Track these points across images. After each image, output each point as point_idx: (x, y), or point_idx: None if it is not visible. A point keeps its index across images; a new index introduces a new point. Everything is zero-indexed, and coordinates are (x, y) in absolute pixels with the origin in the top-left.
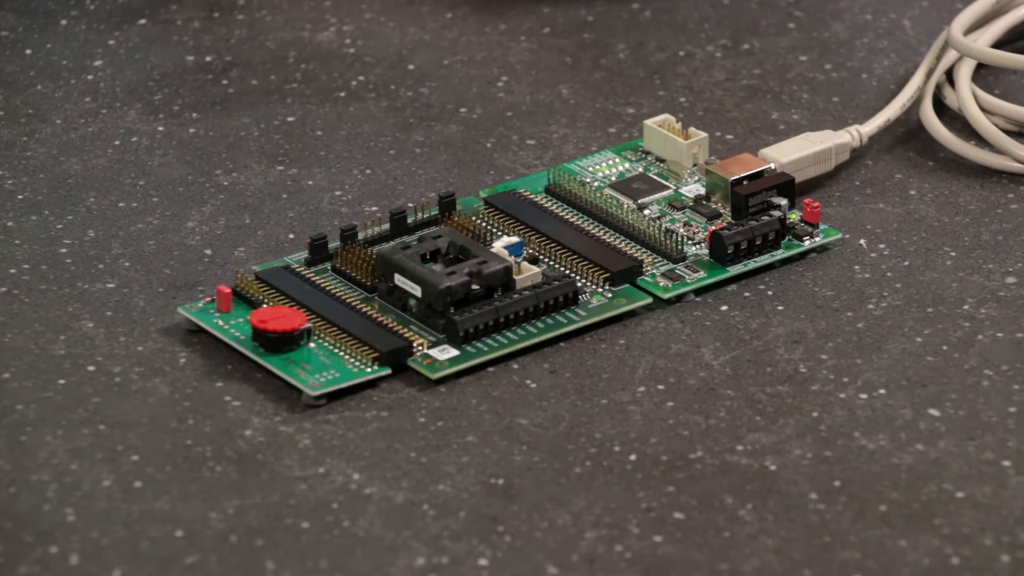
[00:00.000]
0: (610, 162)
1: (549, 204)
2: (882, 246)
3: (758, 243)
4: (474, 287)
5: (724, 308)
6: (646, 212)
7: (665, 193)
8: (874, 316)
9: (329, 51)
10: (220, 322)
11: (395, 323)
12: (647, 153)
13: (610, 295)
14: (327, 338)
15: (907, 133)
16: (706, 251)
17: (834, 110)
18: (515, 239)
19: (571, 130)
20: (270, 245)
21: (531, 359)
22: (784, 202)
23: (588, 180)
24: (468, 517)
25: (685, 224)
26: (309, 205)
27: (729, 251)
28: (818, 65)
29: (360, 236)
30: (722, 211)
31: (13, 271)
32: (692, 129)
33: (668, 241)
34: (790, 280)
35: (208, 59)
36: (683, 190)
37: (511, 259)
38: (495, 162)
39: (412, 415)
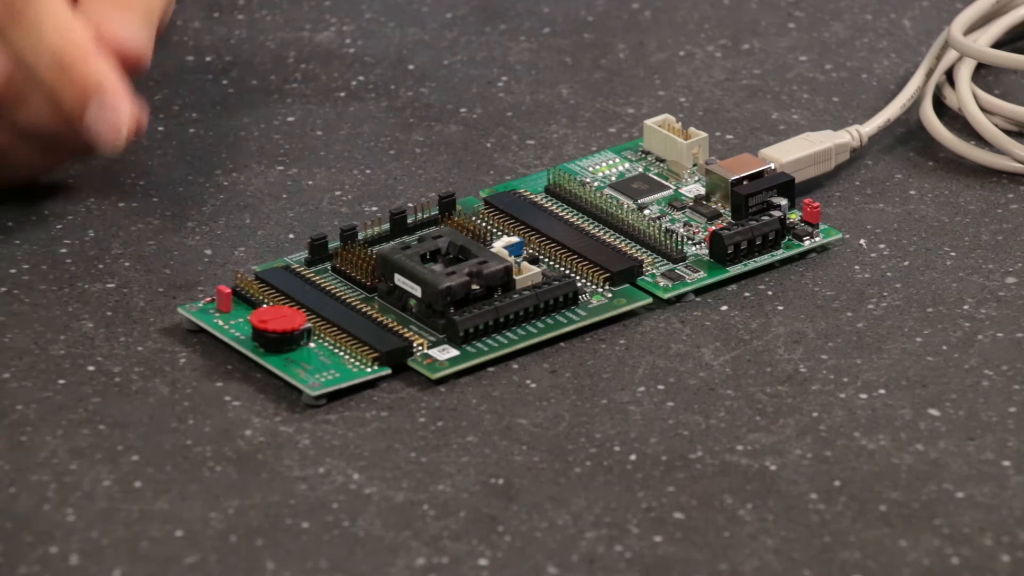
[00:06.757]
0: (610, 162)
1: (549, 204)
2: (882, 246)
3: (758, 243)
4: (474, 287)
5: (724, 308)
6: (646, 212)
7: (665, 193)
8: (874, 316)
9: (329, 51)
10: (220, 322)
11: (395, 323)
12: (647, 153)
13: (610, 295)
14: (327, 338)
15: (907, 133)
16: (706, 251)
17: (834, 110)
18: (515, 239)
19: (571, 130)
20: (270, 245)
21: (531, 359)
22: (784, 202)
23: (588, 180)
24: (468, 517)
25: (685, 224)
26: (309, 205)
27: (729, 251)
28: (818, 65)
29: (360, 236)
30: (722, 211)
31: (13, 271)
32: (692, 129)
33: (668, 241)
34: (790, 280)
35: (208, 59)
36: (683, 190)
37: (511, 259)
38: (495, 162)
39: (412, 415)
